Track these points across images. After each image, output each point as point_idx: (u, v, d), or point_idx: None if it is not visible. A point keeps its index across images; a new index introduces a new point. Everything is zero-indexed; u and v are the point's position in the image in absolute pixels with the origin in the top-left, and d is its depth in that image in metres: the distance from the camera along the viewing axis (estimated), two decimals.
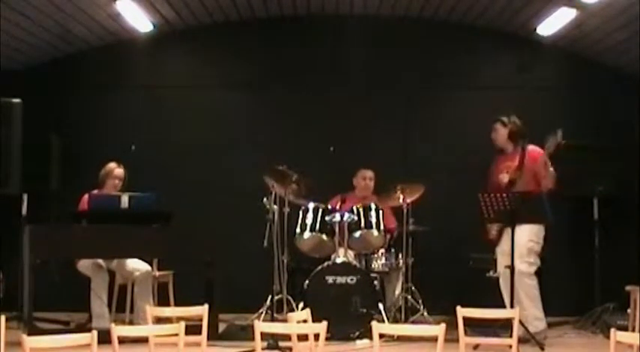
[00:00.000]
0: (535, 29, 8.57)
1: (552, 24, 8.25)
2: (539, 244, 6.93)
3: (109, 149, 8.26)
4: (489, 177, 7.27)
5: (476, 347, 6.34)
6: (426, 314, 7.59)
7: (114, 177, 7.63)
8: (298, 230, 7.53)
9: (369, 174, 8.25)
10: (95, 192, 7.49)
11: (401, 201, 7.68)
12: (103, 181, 7.66)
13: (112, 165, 7.69)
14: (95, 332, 3.97)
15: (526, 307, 6.74)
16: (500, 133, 7.17)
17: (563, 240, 8.24)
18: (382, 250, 7.69)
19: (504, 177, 7.07)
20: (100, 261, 7.35)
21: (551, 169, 6.83)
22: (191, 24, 8.96)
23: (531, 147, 6.98)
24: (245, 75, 9.13)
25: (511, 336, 5.18)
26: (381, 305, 7.12)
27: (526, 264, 6.85)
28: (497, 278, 7.31)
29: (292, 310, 7.31)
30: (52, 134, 8.13)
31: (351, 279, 7.09)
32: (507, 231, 6.87)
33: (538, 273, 6.94)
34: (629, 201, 8.08)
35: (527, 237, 6.87)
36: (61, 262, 7.55)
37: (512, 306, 6.39)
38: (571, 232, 7.02)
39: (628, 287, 7.10)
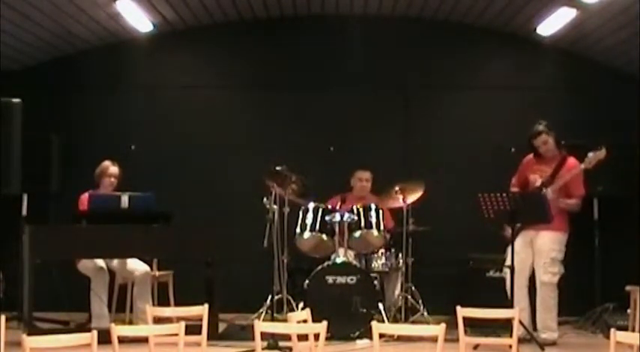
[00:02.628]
0: (535, 29, 8.56)
1: (552, 24, 8.24)
2: (562, 252, 6.90)
3: (109, 149, 8.25)
4: (518, 173, 7.19)
5: (476, 347, 6.34)
6: (426, 314, 7.58)
7: (109, 175, 7.66)
8: (298, 230, 7.53)
9: (366, 175, 8.20)
10: (91, 191, 7.49)
11: (401, 201, 7.68)
12: (98, 180, 7.68)
13: (107, 163, 7.72)
14: (95, 332, 3.97)
15: (540, 316, 6.80)
16: (550, 142, 6.98)
17: None
18: (382, 250, 7.68)
19: (536, 179, 6.99)
20: (100, 261, 7.35)
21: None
22: (191, 24, 8.95)
23: (571, 158, 6.95)
24: (245, 75, 9.13)
25: (511, 336, 5.18)
26: (381, 305, 7.12)
27: (549, 275, 6.84)
28: (498, 278, 7.30)
29: (292, 310, 7.31)
30: (52, 134, 8.14)
31: (351, 279, 7.09)
32: (523, 234, 6.86)
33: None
34: (629, 201, 8.07)
35: (550, 246, 6.86)
36: (61, 262, 7.55)
37: (512, 306, 6.39)
38: (571, 232, 7.01)
39: (628, 287, 7.10)
